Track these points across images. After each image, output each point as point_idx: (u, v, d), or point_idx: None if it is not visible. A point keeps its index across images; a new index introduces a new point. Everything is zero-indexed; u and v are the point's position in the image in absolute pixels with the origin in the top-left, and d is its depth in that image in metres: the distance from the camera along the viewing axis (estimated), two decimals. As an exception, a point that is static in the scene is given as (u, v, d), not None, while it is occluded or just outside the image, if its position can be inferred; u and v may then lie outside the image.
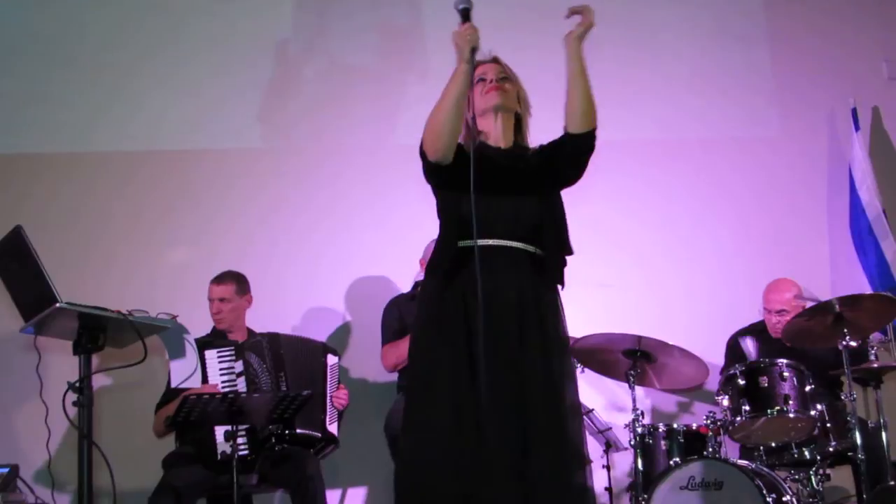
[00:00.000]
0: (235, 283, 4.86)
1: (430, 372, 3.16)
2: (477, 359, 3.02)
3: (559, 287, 3.29)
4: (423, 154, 3.21)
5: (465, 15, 3.16)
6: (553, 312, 3.24)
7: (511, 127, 3.39)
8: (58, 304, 3.21)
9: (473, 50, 3.12)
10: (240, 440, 4.30)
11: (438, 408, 3.09)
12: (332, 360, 4.85)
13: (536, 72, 5.90)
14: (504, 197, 3.20)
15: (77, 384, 3.35)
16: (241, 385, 4.53)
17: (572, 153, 3.31)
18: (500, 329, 3.09)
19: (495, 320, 3.07)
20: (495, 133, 3.34)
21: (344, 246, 5.59)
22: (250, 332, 4.89)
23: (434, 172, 3.22)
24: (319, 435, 4.66)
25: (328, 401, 4.75)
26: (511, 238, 3.19)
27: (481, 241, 3.08)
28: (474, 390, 3.02)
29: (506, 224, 3.19)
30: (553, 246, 3.26)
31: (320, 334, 5.32)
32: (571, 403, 3.20)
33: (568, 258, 3.33)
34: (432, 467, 3.06)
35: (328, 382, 4.79)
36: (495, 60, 3.44)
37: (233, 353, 4.59)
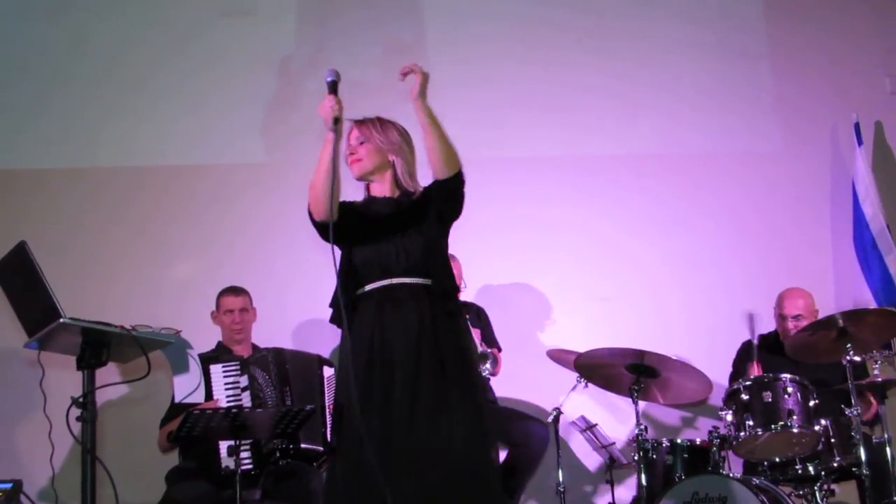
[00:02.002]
0: (248, 294, 4.91)
1: (344, 421, 3.43)
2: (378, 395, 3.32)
3: (458, 312, 3.57)
4: (310, 215, 3.53)
5: (332, 87, 3.48)
6: (454, 336, 3.49)
7: (389, 178, 3.64)
8: (61, 320, 3.21)
9: (336, 120, 3.43)
10: (243, 455, 4.29)
11: (347, 453, 3.36)
12: (328, 371, 4.85)
13: (541, 85, 5.98)
14: (393, 240, 3.49)
15: (81, 399, 3.35)
16: (246, 400, 4.53)
17: (444, 196, 3.53)
18: (402, 360, 3.37)
19: (397, 352, 3.38)
20: (377, 188, 3.64)
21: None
22: (254, 346, 4.90)
23: (322, 231, 3.50)
24: (322, 449, 4.65)
25: (327, 413, 4.73)
26: (405, 275, 3.47)
27: (379, 283, 3.46)
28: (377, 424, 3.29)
29: (398, 263, 3.47)
30: (440, 277, 3.52)
31: (323, 348, 5.31)
32: (475, 433, 3.39)
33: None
34: None
35: (326, 394, 4.78)
36: (356, 123, 3.65)
37: (238, 367, 4.59)
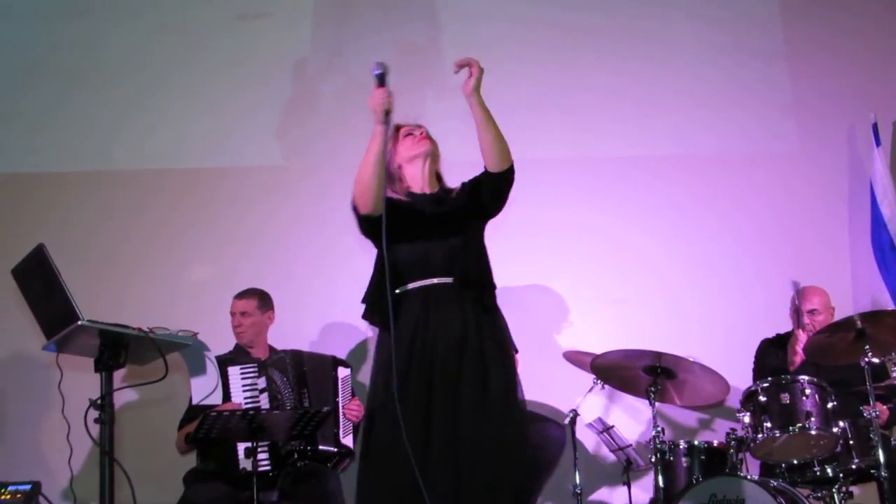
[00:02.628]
0: (258, 298, 4.91)
1: (378, 419, 3.44)
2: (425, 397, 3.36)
3: (495, 307, 3.60)
4: (354, 209, 3.53)
5: (381, 80, 3.53)
6: (494, 340, 3.51)
7: (434, 173, 3.70)
8: (79, 322, 3.22)
9: (387, 112, 3.49)
10: (261, 456, 4.30)
11: (390, 450, 3.34)
12: (343, 372, 4.85)
13: (555, 87, 5.98)
14: (435, 238, 3.50)
15: (99, 401, 3.36)
16: (264, 401, 4.54)
17: (493, 189, 3.58)
18: (444, 359, 3.40)
19: (440, 351, 3.42)
20: (421, 179, 3.66)
21: (362, 261, 5.57)
22: (272, 348, 4.91)
23: (366, 225, 3.53)
24: (335, 450, 4.65)
25: (340, 414, 4.73)
26: (446, 275, 3.48)
27: (421, 282, 3.49)
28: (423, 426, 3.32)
29: (442, 263, 3.48)
30: (477, 276, 3.56)
31: (340, 350, 5.33)
32: (511, 438, 3.44)
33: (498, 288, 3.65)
34: None
35: (340, 395, 4.78)
36: (419, 126, 3.72)
37: (255, 369, 4.61)
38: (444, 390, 3.37)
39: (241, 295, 4.94)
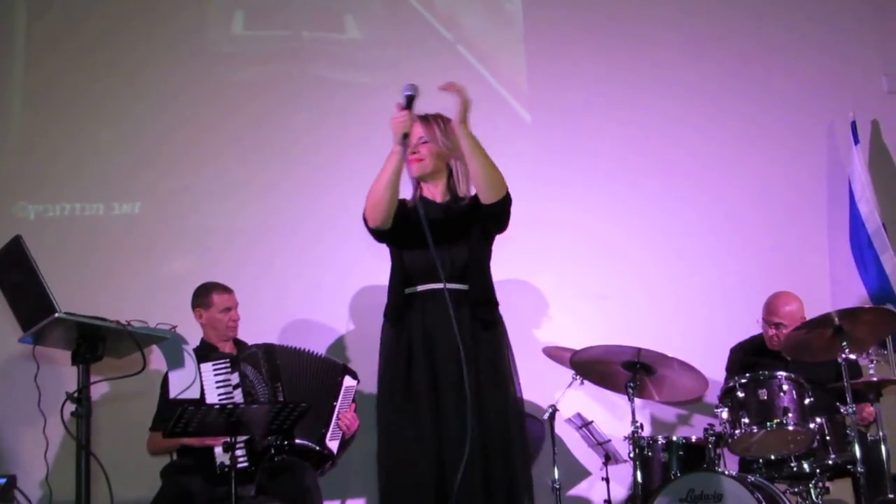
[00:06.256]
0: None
1: (392, 414, 3.60)
2: (428, 396, 3.53)
3: (495, 322, 3.70)
4: (364, 221, 3.61)
5: (409, 102, 3.53)
6: (491, 345, 3.64)
7: (443, 181, 3.73)
8: (57, 315, 3.20)
9: (405, 135, 3.51)
10: (238, 452, 4.27)
11: (406, 442, 3.53)
12: (348, 381, 4.75)
13: (539, 84, 5.98)
14: (440, 247, 3.53)
15: (75, 394, 3.34)
16: (238, 397, 4.48)
17: (490, 217, 3.65)
18: (445, 365, 3.53)
19: (440, 357, 3.55)
20: (429, 191, 3.73)
21: (343, 257, 5.57)
22: (238, 342, 4.85)
23: (375, 235, 3.64)
24: (316, 447, 4.60)
25: (334, 418, 4.68)
26: (449, 281, 3.54)
27: (425, 286, 3.61)
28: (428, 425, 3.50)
29: (444, 270, 3.53)
30: (478, 287, 3.65)
31: (320, 345, 5.30)
32: (513, 436, 3.61)
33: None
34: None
35: (339, 401, 4.71)
36: (420, 120, 3.67)
37: (228, 365, 4.54)
38: (448, 386, 3.50)
39: (225, 288, 4.82)
